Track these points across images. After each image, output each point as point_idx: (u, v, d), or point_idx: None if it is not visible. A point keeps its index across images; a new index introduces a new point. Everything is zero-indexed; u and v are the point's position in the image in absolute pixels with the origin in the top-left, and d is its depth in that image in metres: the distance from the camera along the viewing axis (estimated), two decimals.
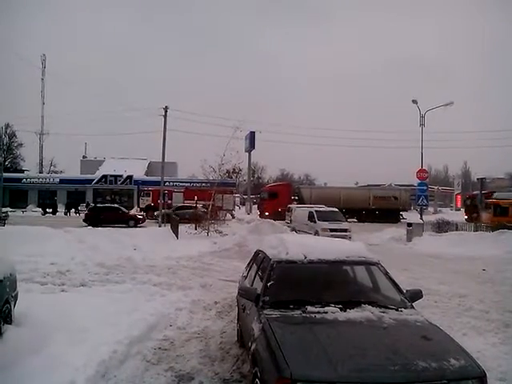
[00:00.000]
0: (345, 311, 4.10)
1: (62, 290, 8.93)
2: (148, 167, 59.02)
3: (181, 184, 46.71)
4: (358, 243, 6.09)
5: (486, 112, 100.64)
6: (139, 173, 54.83)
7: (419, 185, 26.09)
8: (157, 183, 34.04)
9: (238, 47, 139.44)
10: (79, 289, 9.14)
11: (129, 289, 9.02)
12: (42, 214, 39.16)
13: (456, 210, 56.68)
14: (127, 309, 7.10)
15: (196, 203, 25.60)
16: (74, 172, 60.52)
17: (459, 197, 61.16)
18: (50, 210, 40.55)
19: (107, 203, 42.53)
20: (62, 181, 53.35)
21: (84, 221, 27.28)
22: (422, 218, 24.93)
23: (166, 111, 27.41)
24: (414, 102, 30.14)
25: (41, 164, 64.16)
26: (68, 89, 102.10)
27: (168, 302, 8.01)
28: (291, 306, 4.21)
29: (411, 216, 33.18)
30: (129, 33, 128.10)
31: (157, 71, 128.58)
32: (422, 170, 27.18)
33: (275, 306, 4.25)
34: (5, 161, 65.23)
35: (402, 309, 4.32)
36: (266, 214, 35.56)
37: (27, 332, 5.36)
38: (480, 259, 14.61)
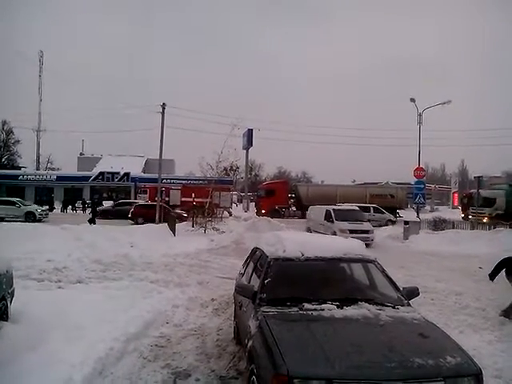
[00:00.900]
0: (342, 308, 4.11)
1: (59, 287, 8.92)
2: (145, 164, 58.95)
3: (178, 181, 46.60)
4: (355, 241, 6.08)
5: (484, 110, 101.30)
6: (136, 170, 54.75)
7: (416, 183, 26.13)
8: (154, 180, 33.91)
9: (238, 46, 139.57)
10: (76, 286, 9.14)
11: (126, 286, 9.02)
12: None
13: (453, 208, 56.80)
14: (124, 306, 7.10)
15: (194, 201, 25.57)
16: (71, 169, 60.34)
17: (456, 195, 61.26)
18: (47, 207, 40.41)
19: (104, 200, 42.53)
20: (59, 178, 53.18)
21: (130, 219, 27.04)
22: (418, 216, 24.98)
23: (163, 108, 27.35)
24: (412, 100, 30.21)
25: (38, 161, 63.80)
26: (65, 86, 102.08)
27: (165, 299, 8.01)
28: (288, 303, 4.22)
29: (408, 214, 33.22)
30: (127, 31, 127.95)
31: (155, 69, 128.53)
32: (419, 169, 27.22)
33: (272, 303, 4.25)
34: (2, 157, 65.10)
35: (399, 306, 4.34)
36: (263, 211, 35.55)
37: (24, 329, 5.34)
38: (476, 257, 14.65)
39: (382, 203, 39.27)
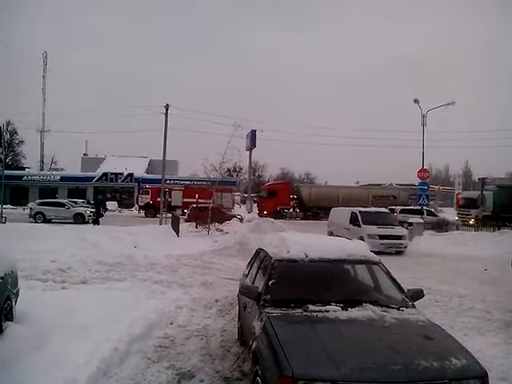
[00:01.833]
0: (346, 310, 4.10)
1: (63, 288, 8.93)
2: (149, 165, 59.12)
3: (181, 182, 46.74)
4: (360, 242, 6.08)
5: (488, 112, 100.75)
6: (140, 171, 54.90)
7: (420, 184, 26.08)
8: (157, 181, 34.01)
9: (241, 47, 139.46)
10: (80, 286, 9.14)
11: (129, 286, 9.04)
12: None
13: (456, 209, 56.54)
14: (128, 306, 7.11)
15: (197, 202, 25.58)
16: (75, 170, 60.56)
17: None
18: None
19: (108, 201, 42.64)
20: (62, 178, 53.38)
21: (186, 221, 27.23)
22: (422, 218, 24.93)
23: (167, 109, 27.44)
24: (416, 101, 30.11)
25: (42, 161, 64.17)
26: (69, 87, 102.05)
27: (168, 300, 8.01)
28: (292, 305, 4.21)
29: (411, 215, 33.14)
30: (130, 31, 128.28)
31: (159, 70, 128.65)
32: (423, 170, 27.15)
33: (276, 304, 4.25)
34: (6, 158, 65.26)
35: (404, 308, 4.32)
36: (265, 212, 35.51)
37: (28, 329, 5.37)
38: (480, 259, 14.62)
39: (384, 204, 39.28)
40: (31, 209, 28.95)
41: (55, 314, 6.15)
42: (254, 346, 3.93)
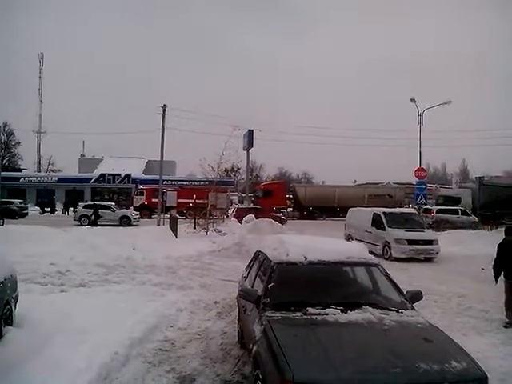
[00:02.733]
0: (346, 313, 4.12)
1: (62, 291, 8.92)
2: (146, 166, 58.94)
3: (179, 183, 46.68)
4: (358, 244, 6.09)
5: (485, 110, 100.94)
6: (137, 171, 54.74)
7: (418, 183, 26.18)
8: (155, 182, 33.94)
9: (238, 47, 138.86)
10: (79, 289, 9.13)
11: (128, 289, 9.03)
12: (41, 213, 39.07)
13: None
14: (127, 309, 7.11)
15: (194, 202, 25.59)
16: (72, 171, 60.38)
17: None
18: (49, 209, 40.48)
19: (105, 202, 42.53)
20: (60, 179, 53.21)
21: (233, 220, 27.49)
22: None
23: (164, 110, 27.45)
24: (413, 100, 30.23)
25: (39, 163, 63.84)
26: (66, 88, 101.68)
27: (168, 303, 8.01)
28: (292, 308, 4.23)
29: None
30: (128, 33, 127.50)
31: (156, 71, 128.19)
32: (420, 169, 27.27)
33: (276, 307, 4.26)
34: (3, 159, 65.14)
35: (403, 310, 4.35)
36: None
37: (28, 334, 5.37)
38: (478, 258, 14.58)
39: (380, 203, 39.40)
40: (76, 212, 29.07)
41: (55, 318, 6.15)
42: (254, 349, 3.95)
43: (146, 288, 9.21)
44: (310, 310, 4.17)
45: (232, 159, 22.45)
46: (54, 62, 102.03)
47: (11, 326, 5.55)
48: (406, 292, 4.73)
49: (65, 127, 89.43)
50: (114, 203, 34.91)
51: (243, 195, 52.54)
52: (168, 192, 37.60)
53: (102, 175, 52.96)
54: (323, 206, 35.40)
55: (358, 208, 20.49)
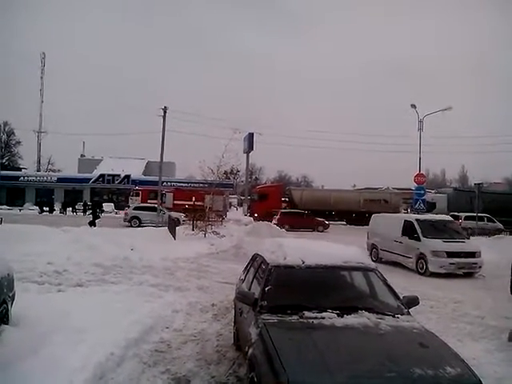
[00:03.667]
0: (342, 317, 4.13)
1: (59, 290, 8.91)
2: (146, 167, 58.98)
3: (178, 184, 46.74)
4: (356, 248, 6.11)
5: (485, 117, 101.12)
6: (137, 172, 54.77)
7: (417, 189, 26.20)
8: (154, 183, 33.99)
9: (238, 50, 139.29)
10: (76, 289, 9.12)
11: (125, 289, 9.01)
12: (39, 213, 39.04)
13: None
14: (124, 310, 7.09)
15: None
16: (72, 171, 60.39)
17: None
18: (47, 209, 40.46)
19: (105, 202, 42.52)
20: (59, 179, 53.18)
21: (277, 225, 27.54)
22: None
23: (165, 112, 27.50)
24: (413, 106, 30.34)
25: (38, 162, 63.89)
26: (67, 88, 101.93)
27: (165, 304, 8.01)
28: (289, 311, 4.23)
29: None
30: (129, 33, 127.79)
31: (157, 72, 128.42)
32: (419, 175, 27.30)
33: (273, 310, 4.27)
34: (2, 158, 65.16)
35: (399, 315, 4.36)
36: (256, 215, 35.48)
37: (24, 333, 5.35)
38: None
39: (376, 208, 39.60)
40: (127, 214, 29.10)
41: (51, 318, 6.13)
42: (250, 352, 3.95)
43: (142, 289, 9.21)
44: (307, 313, 4.17)
45: (232, 162, 22.44)
46: (55, 62, 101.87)
47: (7, 324, 5.54)
48: (403, 297, 4.75)
49: (65, 127, 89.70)
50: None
51: (242, 198, 52.60)
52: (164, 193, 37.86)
53: (102, 176, 52.95)
54: (319, 210, 35.43)
55: (384, 214, 18.97)
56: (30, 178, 52.76)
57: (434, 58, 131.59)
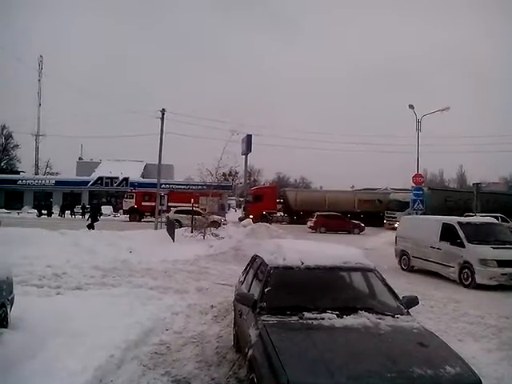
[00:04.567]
0: (341, 317, 4.12)
1: (58, 293, 8.89)
2: (144, 169, 58.89)
3: (177, 186, 46.62)
4: (355, 249, 6.11)
5: (482, 117, 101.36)
6: (135, 175, 54.64)
7: (415, 189, 26.21)
8: (153, 185, 33.96)
9: (236, 52, 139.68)
10: (75, 292, 9.10)
11: (125, 292, 8.99)
12: (38, 216, 38.95)
13: None
14: (123, 312, 7.09)
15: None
16: (70, 174, 60.22)
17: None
18: (46, 212, 40.37)
19: (103, 205, 42.49)
20: (57, 182, 52.97)
21: (311, 228, 27.32)
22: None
23: (163, 114, 27.48)
24: (411, 107, 30.41)
25: (36, 165, 63.71)
26: (65, 91, 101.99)
27: (164, 306, 8.00)
28: (288, 312, 4.23)
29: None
30: (127, 36, 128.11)
31: (155, 75, 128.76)
32: (417, 175, 27.34)
33: (272, 312, 4.26)
34: (0, 162, 65.05)
35: (399, 315, 4.35)
36: (251, 216, 35.48)
37: (23, 336, 5.34)
38: None
39: (370, 208, 39.75)
40: (168, 217, 28.90)
41: (50, 321, 6.12)
42: (249, 353, 3.94)
43: (142, 291, 9.18)
44: (306, 314, 4.17)
45: (230, 163, 22.44)
46: (53, 65, 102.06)
47: (6, 328, 5.53)
48: (402, 297, 4.74)
49: (63, 130, 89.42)
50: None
51: (241, 199, 52.62)
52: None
53: (100, 178, 52.83)
54: (313, 211, 35.45)
55: (416, 216, 17.02)
56: (28, 182, 52.57)
57: (433, 58, 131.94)
